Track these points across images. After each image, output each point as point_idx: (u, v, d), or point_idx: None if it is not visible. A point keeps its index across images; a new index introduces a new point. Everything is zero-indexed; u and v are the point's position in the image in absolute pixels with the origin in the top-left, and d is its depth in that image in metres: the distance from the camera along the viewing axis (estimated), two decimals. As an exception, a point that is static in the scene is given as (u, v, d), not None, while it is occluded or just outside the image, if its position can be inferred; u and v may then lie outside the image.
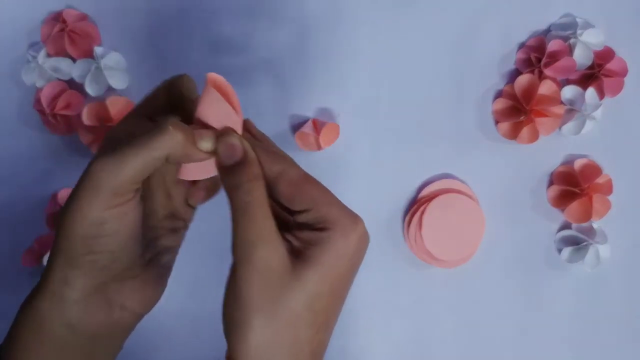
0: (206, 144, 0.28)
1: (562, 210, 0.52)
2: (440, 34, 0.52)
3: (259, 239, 0.26)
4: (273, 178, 0.28)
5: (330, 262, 0.27)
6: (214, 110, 0.28)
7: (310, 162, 0.53)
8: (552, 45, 0.51)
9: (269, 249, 0.26)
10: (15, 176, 0.53)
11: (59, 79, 0.51)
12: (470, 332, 0.53)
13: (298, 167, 0.29)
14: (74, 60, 0.52)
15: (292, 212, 0.29)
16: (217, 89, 0.28)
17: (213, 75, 0.28)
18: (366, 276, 0.53)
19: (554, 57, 0.50)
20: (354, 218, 0.28)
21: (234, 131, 0.28)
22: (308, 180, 0.29)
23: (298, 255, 0.27)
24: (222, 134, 0.28)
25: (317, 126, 0.51)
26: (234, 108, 0.28)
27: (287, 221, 0.29)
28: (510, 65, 0.53)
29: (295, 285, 0.26)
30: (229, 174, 0.27)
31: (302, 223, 0.28)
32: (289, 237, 0.28)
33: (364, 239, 0.29)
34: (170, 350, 0.53)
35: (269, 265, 0.26)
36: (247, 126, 0.31)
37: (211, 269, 0.48)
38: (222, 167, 0.28)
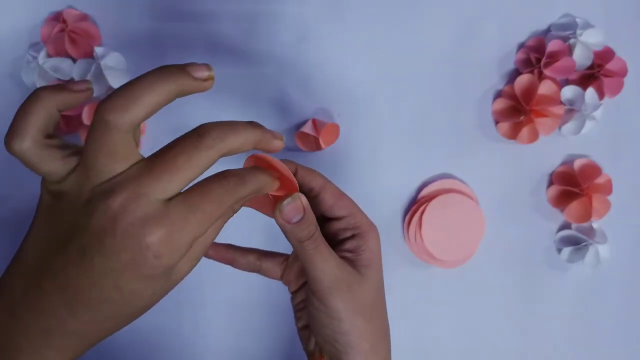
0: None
1: (562, 210, 0.52)
2: (440, 34, 0.52)
3: (331, 272, 0.33)
4: (319, 190, 0.35)
5: (374, 255, 0.35)
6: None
7: (310, 162, 0.53)
8: (552, 46, 0.51)
9: (341, 274, 0.33)
10: (15, 176, 0.53)
11: (59, 79, 0.51)
12: (470, 332, 0.53)
13: (333, 183, 0.35)
14: (74, 60, 0.52)
15: (328, 221, 0.35)
16: (261, 162, 0.32)
17: (254, 156, 0.32)
18: (366, 276, 0.53)
19: (554, 57, 0.51)
20: (372, 222, 0.36)
21: (297, 192, 0.32)
22: (342, 192, 0.36)
23: (355, 263, 0.34)
24: (288, 196, 0.32)
25: (317, 126, 0.51)
26: (282, 172, 0.32)
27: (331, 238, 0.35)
28: (510, 66, 0.53)
29: (367, 287, 0.34)
30: (296, 231, 0.32)
31: (342, 228, 0.35)
32: (342, 254, 0.34)
33: (378, 234, 0.36)
34: None
35: (348, 286, 0.33)
36: (287, 164, 0.34)
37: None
38: (288, 225, 0.32)
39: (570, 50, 0.51)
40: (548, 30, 0.53)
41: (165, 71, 0.27)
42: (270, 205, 0.33)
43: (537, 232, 0.53)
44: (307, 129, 0.51)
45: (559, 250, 0.53)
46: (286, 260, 0.37)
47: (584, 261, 0.51)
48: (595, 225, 0.53)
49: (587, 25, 0.52)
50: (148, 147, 0.53)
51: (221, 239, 0.33)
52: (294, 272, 0.37)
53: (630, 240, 0.53)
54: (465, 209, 0.51)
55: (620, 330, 0.53)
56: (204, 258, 0.30)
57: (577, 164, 0.52)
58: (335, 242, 0.35)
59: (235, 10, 0.52)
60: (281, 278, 0.37)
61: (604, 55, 0.52)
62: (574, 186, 0.51)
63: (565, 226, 0.53)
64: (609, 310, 0.53)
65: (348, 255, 0.34)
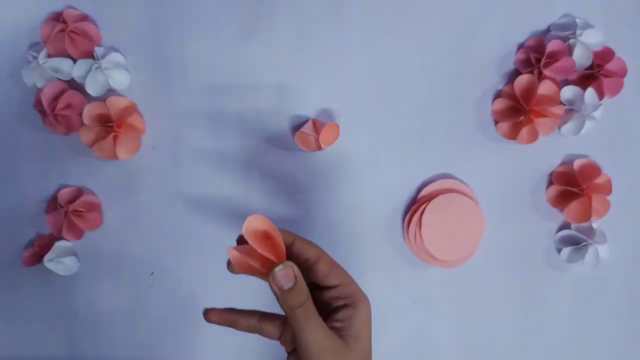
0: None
1: (562, 210, 0.53)
2: (440, 34, 0.53)
3: (319, 341, 0.34)
4: (314, 260, 0.36)
5: (364, 327, 0.36)
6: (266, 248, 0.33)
7: (310, 162, 0.53)
8: (552, 46, 0.51)
9: (329, 344, 0.34)
10: (14, 176, 0.53)
11: (60, 79, 0.51)
12: (469, 332, 0.53)
13: (327, 252, 0.37)
14: (74, 60, 0.52)
15: (322, 290, 0.37)
16: (255, 232, 0.33)
17: (247, 228, 0.33)
18: (366, 276, 0.53)
19: (554, 57, 0.51)
20: (364, 293, 0.37)
21: (287, 261, 0.33)
22: (336, 262, 0.37)
23: (344, 334, 0.35)
24: (279, 264, 0.33)
25: (317, 126, 0.51)
26: (276, 238, 0.33)
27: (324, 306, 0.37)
28: (510, 66, 0.53)
29: (354, 356, 0.35)
30: (287, 298, 0.33)
31: (334, 297, 0.36)
32: (332, 324, 0.35)
33: (370, 305, 0.37)
34: None
35: (335, 357, 0.34)
36: (283, 235, 0.35)
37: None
38: (281, 292, 0.33)
39: (570, 51, 0.51)
40: (548, 30, 0.53)
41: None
42: (263, 272, 0.34)
43: (537, 232, 0.53)
44: (307, 129, 0.51)
45: (559, 250, 0.53)
46: (284, 322, 0.38)
47: (584, 261, 0.51)
48: (594, 225, 0.53)
49: (587, 26, 0.52)
50: (148, 146, 0.53)
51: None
52: (290, 334, 0.37)
53: (629, 240, 0.53)
54: (465, 209, 0.51)
55: (619, 329, 0.53)
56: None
57: (577, 164, 0.52)
58: (327, 310, 0.36)
59: (236, 10, 0.52)
60: (279, 339, 0.38)
61: (604, 56, 0.52)
62: (573, 186, 0.51)
63: (565, 226, 0.53)
64: (608, 310, 0.53)
65: (338, 325, 0.35)
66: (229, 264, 0.35)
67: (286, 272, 0.33)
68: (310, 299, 0.34)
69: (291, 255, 0.36)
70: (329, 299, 0.36)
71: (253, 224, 0.33)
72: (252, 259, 0.33)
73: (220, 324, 0.38)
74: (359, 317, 0.35)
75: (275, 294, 0.33)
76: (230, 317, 0.37)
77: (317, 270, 0.36)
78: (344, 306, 0.36)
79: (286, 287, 0.33)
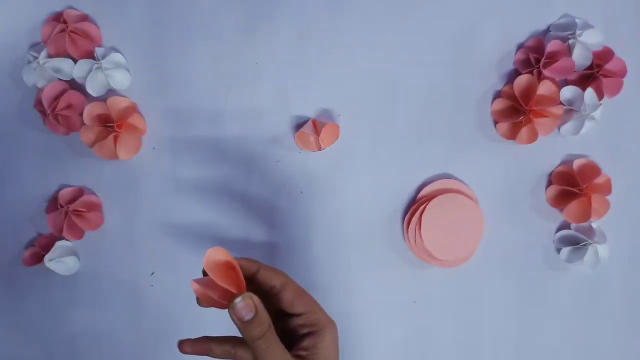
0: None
1: (561, 210, 0.53)
2: (440, 34, 0.53)
3: None
4: (279, 288, 0.36)
5: (330, 354, 0.36)
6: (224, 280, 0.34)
7: (310, 162, 0.53)
8: (551, 46, 0.51)
9: None
10: (15, 176, 0.53)
11: (60, 79, 0.51)
12: (469, 331, 0.53)
13: (294, 280, 0.37)
14: (74, 60, 0.52)
15: (288, 317, 0.37)
16: (216, 264, 0.34)
17: (207, 261, 0.33)
18: (366, 276, 0.53)
19: (553, 57, 0.51)
20: (332, 320, 0.37)
21: (247, 292, 0.34)
22: (303, 290, 0.37)
23: None
24: (239, 296, 0.33)
25: (317, 126, 0.51)
26: (236, 270, 0.34)
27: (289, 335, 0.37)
28: (509, 66, 0.53)
29: None
30: (248, 329, 0.33)
31: (300, 325, 0.36)
32: (298, 352, 0.36)
33: (337, 333, 0.38)
34: None
35: None
36: (247, 264, 0.37)
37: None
38: (241, 323, 0.33)
39: (569, 51, 0.51)
40: (547, 30, 0.53)
41: None
42: (224, 304, 0.34)
43: (537, 232, 0.53)
44: (307, 129, 0.51)
45: (558, 250, 0.53)
46: None
47: (583, 261, 0.51)
48: (594, 225, 0.53)
49: (587, 26, 0.52)
50: (149, 146, 0.53)
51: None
52: None
53: (629, 240, 0.53)
54: (465, 209, 0.51)
55: (619, 329, 0.53)
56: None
57: (577, 164, 0.52)
58: (294, 338, 0.37)
59: (236, 10, 0.52)
60: None
61: (603, 56, 0.52)
62: (573, 186, 0.51)
63: (565, 226, 0.53)
64: (608, 310, 0.53)
65: (303, 353, 0.36)
66: (197, 299, 0.35)
67: (246, 304, 0.33)
68: (271, 329, 0.34)
69: (256, 283, 0.36)
70: (295, 327, 0.37)
71: (213, 256, 0.34)
72: (212, 291, 0.33)
73: (195, 354, 0.38)
74: (324, 345, 0.36)
75: (236, 325, 0.34)
76: (204, 345, 0.38)
77: (282, 298, 0.36)
78: (309, 334, 0.36)
79: (246, 318, 0.33)
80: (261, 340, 0.34)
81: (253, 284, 0.37)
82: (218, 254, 0.34)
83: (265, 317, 0.34)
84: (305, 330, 0.37)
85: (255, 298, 0.34)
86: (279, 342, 0.35)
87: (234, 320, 0.33)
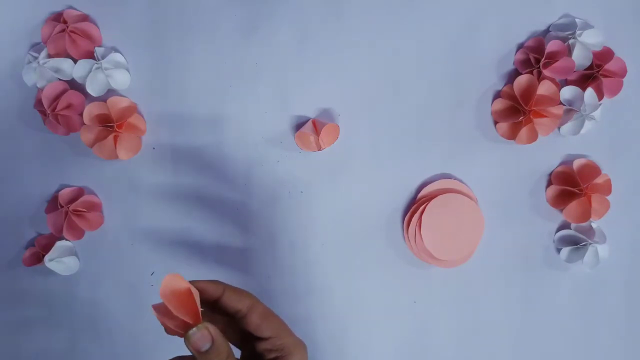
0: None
1: (561, 210, 0.53)
2: (440, 34, 0.53)
3: None
4: (245, 311, 0.35)
5: None
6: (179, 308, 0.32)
7: (310, 162, 0.53)
8: (551, 46, 0.51)
9: None
10: (15, 176, 0.53)
11: (60, 80, 0.51)
12: (469, 332, 0.53)
13: (261, 302, 0.36)
14: (74, 60, 0.52)
15: (255, 341, 0.36)
16: (173, 292, 0.32)
17: (163, 289, 0.32)
18: (366, 276, 0.53)
19: (553, 57, 0.51)
20: (301, 342, 0.37)
21: (203, 322, 0.33)
22: (271, 312, 0.36)
23: None
24: (194, 326, 0.32)
25: (317, 126, 0.51)
26: (192, 298, 0.32)
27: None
28: (509, 66, 0.53)
29: None
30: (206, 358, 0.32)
31: (267, 349, 0.35)
32: None
33: (307, 355, 0.37)
34: None
35: None
36: (210, 288, 0.35)
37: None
38: (198, 354, 0.32)
39: (569, 51, 0.51)
40: (547, 30, 0.53)
41: None
42: (181, 333, 0.33)
43: (536, 232, 0.53)
44: (307, 129, 0.51)
45: (558, 250, 0.53)
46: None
47: (583, 261, 0.51)
48: (594, 225, 0.53)
49: (587, 26, 0.52)
50: (149, 146, 0.53)
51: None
52: None
53: (629, 240, 0.53)
54: (465, 209, 0.51)
55: (619, 329, 0.53)
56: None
57: (576, 164, 0.52)
58: None
59: (236, 10, 0.52)
60: None
61: (603, 56, 0.52)
62: (573, 186, 0.51)
63: (565, 226, 0.53)
64: (608, 310, 0.53)
65: None
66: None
67: (202, 335, 0.32)
68: (231, 358, 0.33)
69: (221, 307, 0.35)
70: (262, 351, 0.36)
71: (170, 284, 0.32)
72: (169, 321, 0.32)
73: None
74: None
75: (195, 356, 0.33)
76: None
77: (248, 322, 0.35)
78: (276, 359, 0.35)
79: (203, 349, 0.32)
80: None
81: (219, 307, 0.36)
82: (174, 281, 0.32)
83: (223, 347, 0.33)
84: (272, 356, 0.36)
85: (212, 328, 0.32)
86: None
87: (190, 351, 0.32)
